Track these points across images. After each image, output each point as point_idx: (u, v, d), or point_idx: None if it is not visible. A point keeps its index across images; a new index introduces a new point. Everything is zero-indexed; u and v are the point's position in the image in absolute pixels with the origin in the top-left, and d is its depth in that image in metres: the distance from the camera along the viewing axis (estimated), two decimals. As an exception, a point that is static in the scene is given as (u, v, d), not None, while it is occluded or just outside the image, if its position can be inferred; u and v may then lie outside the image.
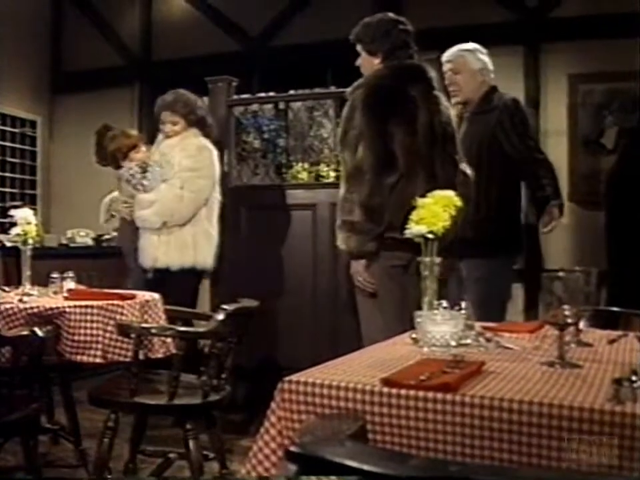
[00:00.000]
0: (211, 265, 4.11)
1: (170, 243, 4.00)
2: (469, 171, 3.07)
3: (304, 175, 4.46)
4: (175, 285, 3.89)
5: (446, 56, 3.67)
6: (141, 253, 4.04)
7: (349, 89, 3.10)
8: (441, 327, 1.83)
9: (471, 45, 3.67)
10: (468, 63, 3.61)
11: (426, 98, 2.98)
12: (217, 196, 4.18)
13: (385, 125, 2.87)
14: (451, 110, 3.17)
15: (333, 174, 4.32)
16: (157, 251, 3.99)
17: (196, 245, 4.02)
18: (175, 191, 3.99)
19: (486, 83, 3.61)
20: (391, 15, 3.24)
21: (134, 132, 4.52)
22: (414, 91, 2.96)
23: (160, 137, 4.25)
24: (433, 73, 3.12)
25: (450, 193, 2.01)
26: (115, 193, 4.47)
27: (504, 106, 3.55)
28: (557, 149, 4.81)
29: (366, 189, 2.85)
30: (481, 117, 3.56)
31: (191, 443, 2.67)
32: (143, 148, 4.28)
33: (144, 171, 4.07)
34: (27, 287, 3.27)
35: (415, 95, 2.95)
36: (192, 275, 4.03)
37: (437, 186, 2.25)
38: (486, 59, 3.64)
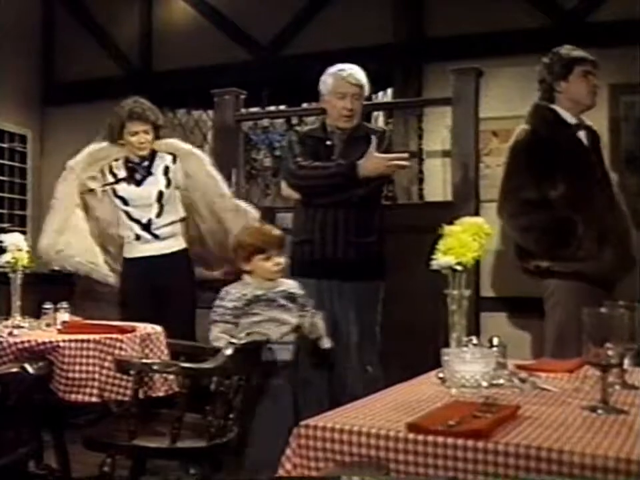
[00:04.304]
0: None
1: None
2: None
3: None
4: None
5: (357, 79, 3.77)
6: None
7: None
8: (471, 365, 1.83)
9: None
10: (366, 92, 3.84)
11: None
12: None
13: None
14: None
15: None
16: None
17: None
18: None
19: None
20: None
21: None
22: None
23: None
24: None
25: (479, 220, 2.02)
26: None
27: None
28: (597, 166, 4.80)
29: None
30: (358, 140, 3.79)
31: (195, 490, 2.68)
32: None
33: None
34: (17, 319, 3.30)
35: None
36: None
37: None
38: None
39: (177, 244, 4.17)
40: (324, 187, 3.69)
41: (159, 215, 4.13)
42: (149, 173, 4.19)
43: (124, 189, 4.19)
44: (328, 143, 3.78)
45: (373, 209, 3.76)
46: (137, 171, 4.19)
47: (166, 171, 4.19)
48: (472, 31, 5.15)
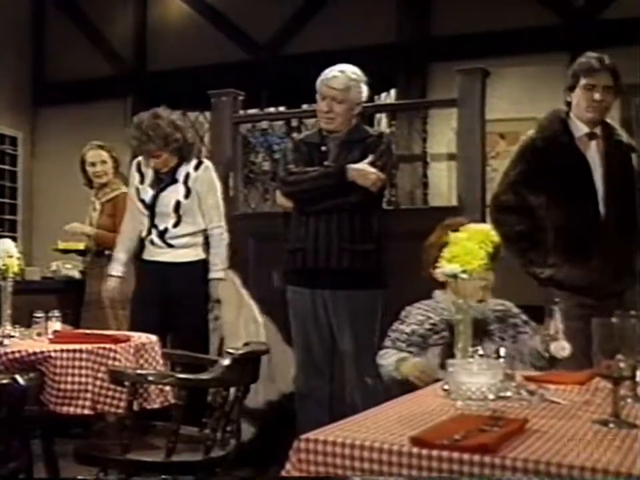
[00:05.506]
0: None
1: None
2: None
3: (320, 201, 4.51)
4: None
5: (338, 82, 3.71)
6: None
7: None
8: (477, 377, 1.83)
9: (355, 71, 3.76)
10: (352, 96, 3.73)
11: None
12: None
13: None
14: None
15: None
16: None
17: None
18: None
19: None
20: None
21: None
22: None
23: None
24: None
25: (486, 227, 2.03)
26: None
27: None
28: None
29: None
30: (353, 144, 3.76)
31: (191, 506, 2.68)
32: None
33: None
34: (7, 328, 3.30)
35: None
36: None
37: None
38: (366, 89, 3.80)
39: (194, 254, 4.07)
40: (313, 191, 3.69)
41: (175, 225, 4.05)
42: (173, 180, 4.08)
43: (146, 192, 4.12)
44: (323, 148, 3.78)
45: (371, 215, 3.74)
46: (162, 179, 4.10)
47: (186, 178, 4.07)
48: (478, 29, 5.17)
